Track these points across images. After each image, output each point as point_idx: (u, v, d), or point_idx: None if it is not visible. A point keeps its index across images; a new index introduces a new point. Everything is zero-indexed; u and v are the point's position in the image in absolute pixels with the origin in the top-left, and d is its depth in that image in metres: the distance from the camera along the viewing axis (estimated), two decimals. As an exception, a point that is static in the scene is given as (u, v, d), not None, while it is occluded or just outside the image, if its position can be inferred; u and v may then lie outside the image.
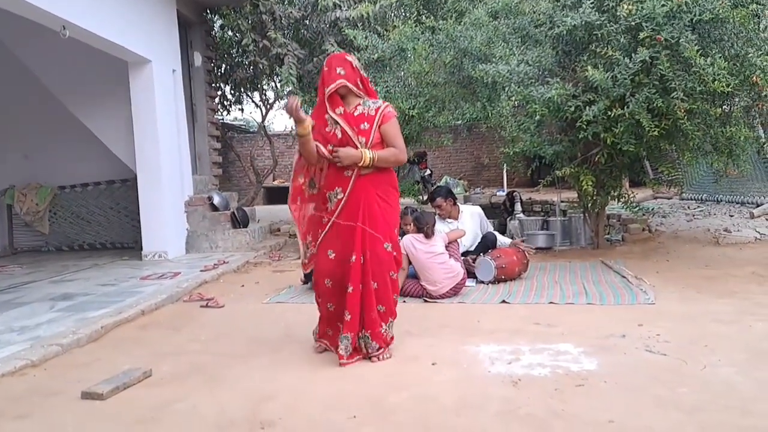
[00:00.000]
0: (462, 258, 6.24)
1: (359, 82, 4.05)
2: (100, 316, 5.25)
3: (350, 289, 3.91)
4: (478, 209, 7.44)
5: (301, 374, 3.77)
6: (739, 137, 6.50)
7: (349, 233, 3.95)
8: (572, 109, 6.42)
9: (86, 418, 3.22)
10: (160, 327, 5.18)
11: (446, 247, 5.91)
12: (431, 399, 3.27)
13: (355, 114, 4.01)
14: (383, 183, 4.08)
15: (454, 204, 7.16)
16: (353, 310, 3.92)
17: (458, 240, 6.32)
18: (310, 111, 4.47)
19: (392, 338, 4.10)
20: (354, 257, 3.91)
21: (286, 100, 3.98)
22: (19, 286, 7.07)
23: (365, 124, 3.98)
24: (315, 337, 4.27)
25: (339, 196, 3.98)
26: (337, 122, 3.98)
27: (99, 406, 3.38)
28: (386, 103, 4.12)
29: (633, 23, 6.09)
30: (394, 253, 4.07)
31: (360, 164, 3.92)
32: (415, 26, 8.51)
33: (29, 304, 5.92)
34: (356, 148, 3.93)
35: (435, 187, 8.44)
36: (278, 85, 11.99)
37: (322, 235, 4.05)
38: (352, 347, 3.95)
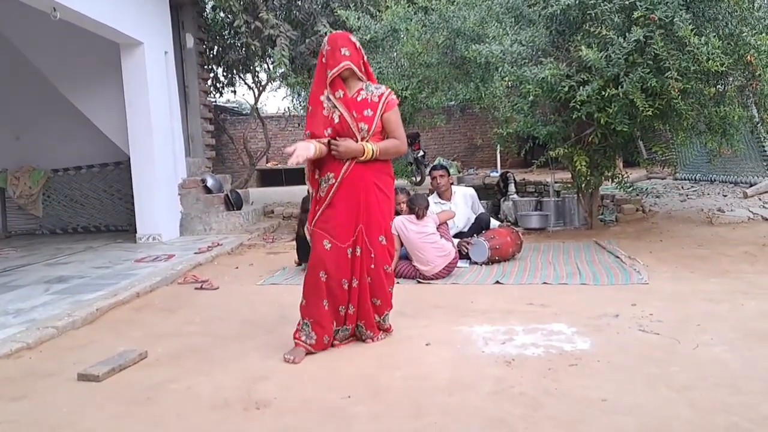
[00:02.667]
0: (454, 238, 6.27)
1: (361, 64, 3.86)
2: (95, 298, 5.25)
3: (355, 283, 3.83)
4: (471, 190, 7.46)
5: (296, 355, 3.78)
6: (733, 117, 6.51)
7: (347, 225, 3.79)
8: (566, 89, 6.40)
9: (82, 400, 3.23)
10: (155, 309, 5.18)
11: (437, 227, 5.92)
12: (425, 379, 3.29)
13: (358, 99, 3.79)
14: (381, 172, 3.87)
15: (451, 183, 7.18)
16: (355, 302, 3.87)
17: (451, 220, 6.34)
18: (303, 93, 4.36)
19: (390, 327, 4.10)
20: (349, 250, 3.80)
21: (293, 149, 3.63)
22: (13, 269, 7.06)
23: (368, 110, 3.77)
24: (305, 343, 3.79)
25: (330, 182, 3.78)
26: (335, 107, 3.76)
27: (95, 388, 3.39)
28: (389, 89, 3.92)
29: (627, 2, 6.06)
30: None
31: (362, 159, 3.74)
32: (408, 6, 8.47)
33: (24, 287, 5.92)
34: (354, 135, 3.73)
35: (433, 164, 8.43)
36: (271, 66, 11.92)
37: (314, 221, 3.86)
38: (349, 335, 3.97)
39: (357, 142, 3.75)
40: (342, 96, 3.78)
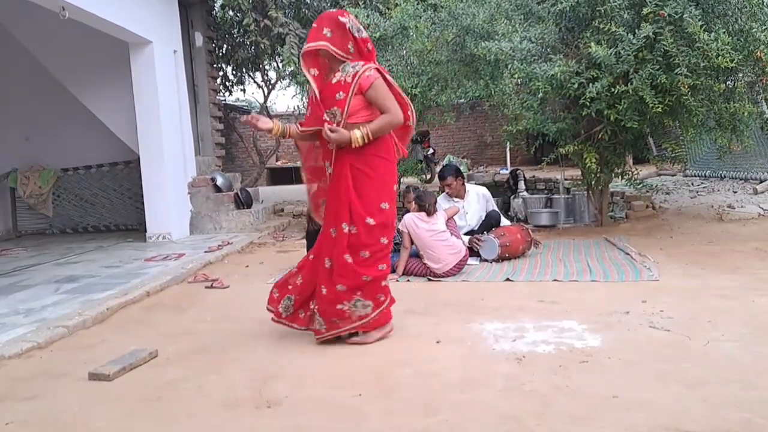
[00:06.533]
0: (464, 236, 6.27)
1: (350, 46, 3.65)
2: (105, 297, 5.27)
3: (327, 264, 3.74)
4: (485, 190, 7.41)
5: (307, 353, 3.78)
6: (743, 113, 6.49)
7: (338, 209, 3.70)
8: (575, 86, 6.39)
9: (93, 399, 3.24)
10: (166, 308, 5.20)
11: (446, 222, 5.92)
12: (435, 376, 3.29)
13: (333, 81, 3.66)
14: (367, 154, 3.67)
15: (463, 183, 7.17)
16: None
17: (463, 218, 6.34)
18: (307, 89, 4.34)
19: (367, 315, 3.82)
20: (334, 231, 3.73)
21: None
22: (23, 268, 7.10)
23: (341, 93, 3.60)
24: (284, 320, 4.02)
25: (329, 170, 3.78)
26: (308, 83, 3.73)
27: (106, 387, 3.40)
28: (366, 66, 3.65)
29: (636, -2, 6.06)
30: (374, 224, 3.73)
31: (353, 146, 3.60)
32: (417, 4, 8.46)
33: (34, 287, 5.94)
34: (320, 118, 3.65)
35: (444, 165, 8.41)
36: (280, 65, 11.94)
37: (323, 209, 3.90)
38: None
39: (325, 126, 3.60)
40: (316, 74, 3.73)
